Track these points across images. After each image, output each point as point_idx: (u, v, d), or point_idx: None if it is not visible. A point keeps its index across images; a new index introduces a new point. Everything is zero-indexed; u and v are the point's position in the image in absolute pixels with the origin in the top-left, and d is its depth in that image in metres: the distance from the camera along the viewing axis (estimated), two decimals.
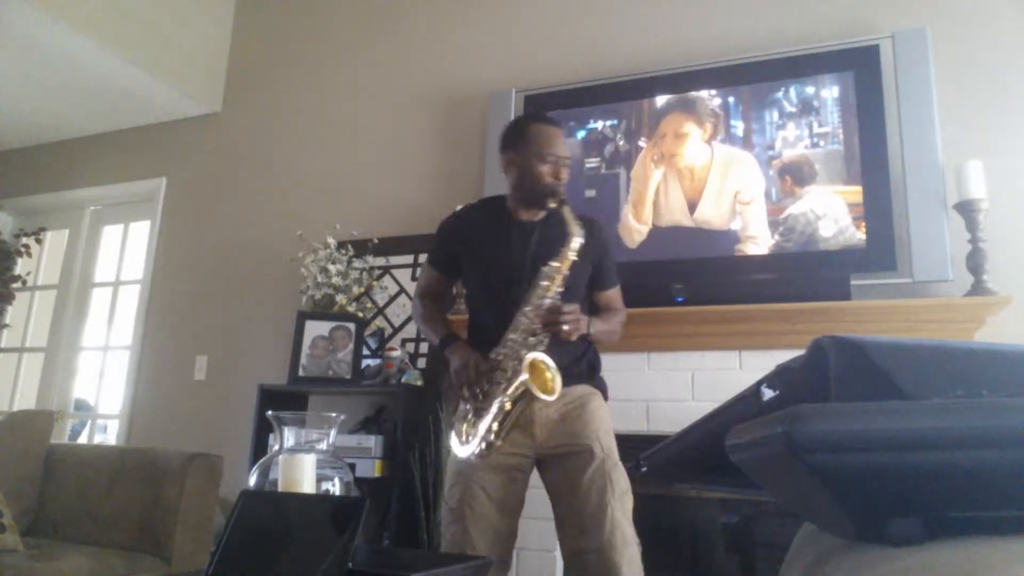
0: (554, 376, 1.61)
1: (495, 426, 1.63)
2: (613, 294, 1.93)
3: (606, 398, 1.86)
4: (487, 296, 1.86)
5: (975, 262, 2.31)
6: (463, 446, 1.69)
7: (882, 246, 2.46)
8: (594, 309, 1.89)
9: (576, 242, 1.70)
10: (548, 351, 1.67)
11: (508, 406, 1.62)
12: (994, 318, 2.29)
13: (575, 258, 1.70)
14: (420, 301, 1.98)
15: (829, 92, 2.66)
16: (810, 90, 2.69)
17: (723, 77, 2.82)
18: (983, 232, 2.32)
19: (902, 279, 2.41)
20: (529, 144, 1.82)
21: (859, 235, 2.51)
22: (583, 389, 1.81)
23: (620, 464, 1.72)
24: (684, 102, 2.87)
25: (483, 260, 1.86)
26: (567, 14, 3.31)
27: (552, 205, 1.76)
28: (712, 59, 2.87)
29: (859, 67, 2.61)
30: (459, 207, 2.04)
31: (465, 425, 1.70)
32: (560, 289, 1.70)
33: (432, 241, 2.00)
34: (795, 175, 2.65)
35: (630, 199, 2.86)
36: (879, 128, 2.54)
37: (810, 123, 2.67)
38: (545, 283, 1.69)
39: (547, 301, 1.68)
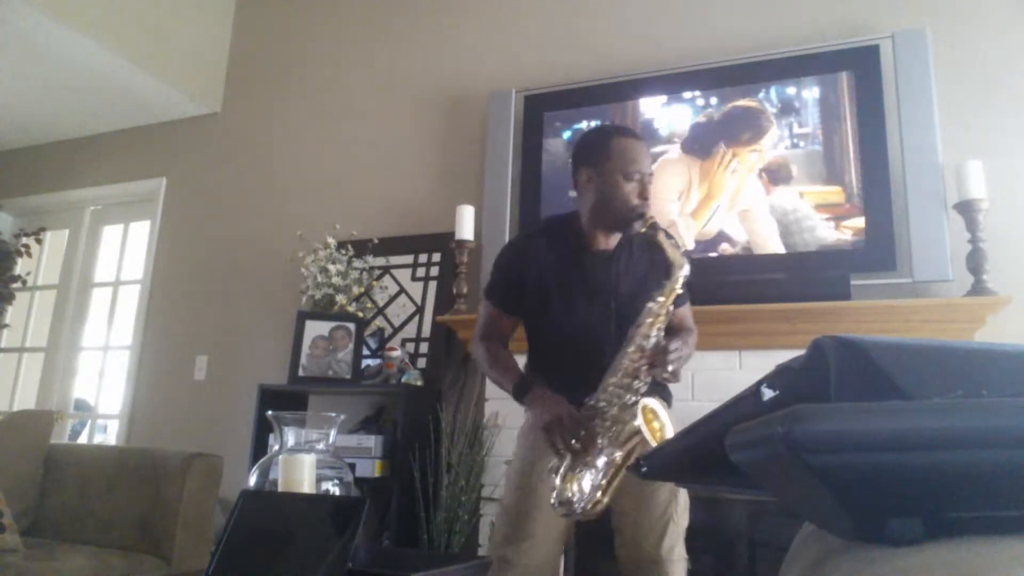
0: (664, 425, 1.46)
1: (603, 482, 1.47)
2: (684, 311, 1.76)
3: (669, 405, 1.73)
4: (562, 339, 1.68)
5: (975, 262, 2.31)
6: (565, 504, 1.51)
7: (882, 246, 2.46)
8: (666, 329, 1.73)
9: (682, 273, 1.53)
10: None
11: (618, 459, 1.47)
12: (994, 318, 2.29)
13: (680, 291, 1.54)
14: (483, 345, 1.75)
15: (810, 93, 2.66)
16: (791, 91, 2.69)
17: (723, 77, 2.82)
18: (983, 232, 2.32)
19: (902, 279, 2.41)
20: (613, 160, 1.62)
21: (836, 234, 2.51)
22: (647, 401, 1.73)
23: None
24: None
25: (557, 298, 1.66)
26: (567, 14, 3.31)
27: (642, 229, 1.59)
28: (712, 59, 2.87)
29: (859, 67, 2.61)
30: (520, 235, 1.87)
31: (566, 481, 1.51)
32: (663, 327, 1.54)
33: (493, 275, 1.78)
34: (771, 175, 2.66)
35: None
36: (879, 128, 2.55)
37: (791, 124, 2.68)
38: (649, 320, 1.52)
39: (651, 341, 1.51)
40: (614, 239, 1.70)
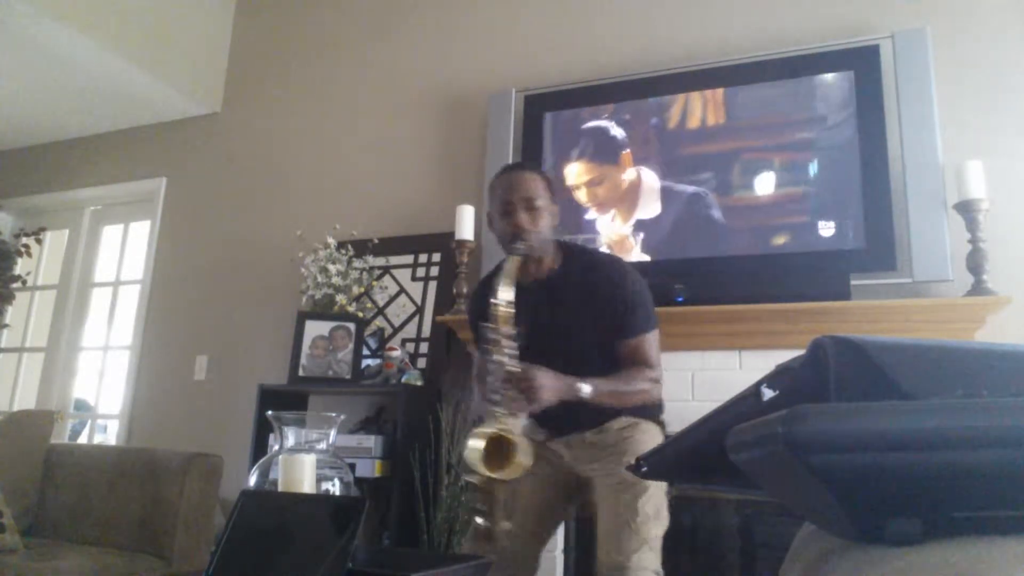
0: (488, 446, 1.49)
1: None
2: (633, 344, 1.69)
3: (660, 423, 1.77)
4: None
5: (975, 262, 2.31)
6: None
7: (882, 246, 2.46)
8: (617, 362, 1.71)
9: (492, 302, 1.56)
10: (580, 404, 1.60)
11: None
12: (994, 318, 2.29)
13: (504, 311, 1.56)
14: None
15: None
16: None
17: (723, 77, 2.82)
18: (983, 232, 2.32)
19: (902, 279, 2.41)
20: (492, 200, 1.75)
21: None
22: (623, 420, 1.71)
23: (652, 489, 1.59)
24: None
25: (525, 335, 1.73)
26: (567, 14, 3.31)
27: (517, 254, 1.64)
28: (712, 59, 2.87)
29: (859, 67, 2.61)
30: (479, 282, 1.94)
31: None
32: (510, 351, 1.55)
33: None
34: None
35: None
36: (879, 128, 2.55)
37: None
38: (489, 347, 1.56)
39: (498, 367, 1.54)
40: (534, 267, 1.74)
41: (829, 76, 2.66)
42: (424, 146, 3.49)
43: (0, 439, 2.54)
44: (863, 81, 2.60)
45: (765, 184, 2.68)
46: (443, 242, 3.17)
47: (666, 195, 2.82)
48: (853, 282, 2.42)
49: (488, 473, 1.48)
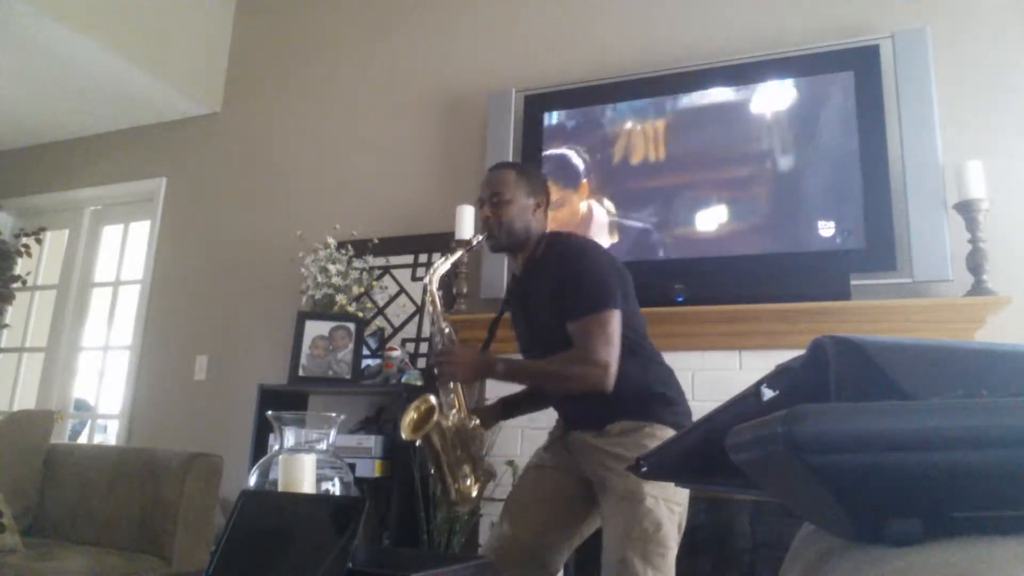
0: (416, 415, 1.65)
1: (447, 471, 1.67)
2: (577, 327, 1.60)
3: (666, 419, 1.64)
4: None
5: (975, 262, 2.31)
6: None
7: (882, 246, 2.46)
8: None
9: (433, 276, 1.72)
10: (579, 396, 1.66)
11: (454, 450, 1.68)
12: (994, 318, 2.29)
13: (435, 288, 1.72)
14: None
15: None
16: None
17: (723, 77, 2.82)
18: (983, 232, 2.32)
19: (902, 279, 2.41)
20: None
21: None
22: (626, 424, 1.63)
23: (649, 503, 1.53)
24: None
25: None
26: (567, 14, 3.31)
27: (478, 247, 1.83)
28: (712, 59, 2.87)
29: (859, 67, 2.61)
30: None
31: None
32: (444, 326, 1.74)
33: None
34: None
35: None
36: (879, 128, 2.55)
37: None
38: (431, 326, 1.76)
39: (437, 333, 1.73)
40: (517, 259, 1.82)
41: (829, 76, 2.66)
42: (424, 146, 3.49)
43: (0, 439, 2.54)
44: (863, 81, 2.60)
45: (766, 184, 2.68)
46: (443, 242, 3.17)
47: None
48: (853, 282, 2.42)
49: (411, 435, 1.62)
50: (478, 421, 1.72)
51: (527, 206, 1.76)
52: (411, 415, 1.65)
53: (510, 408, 1.90)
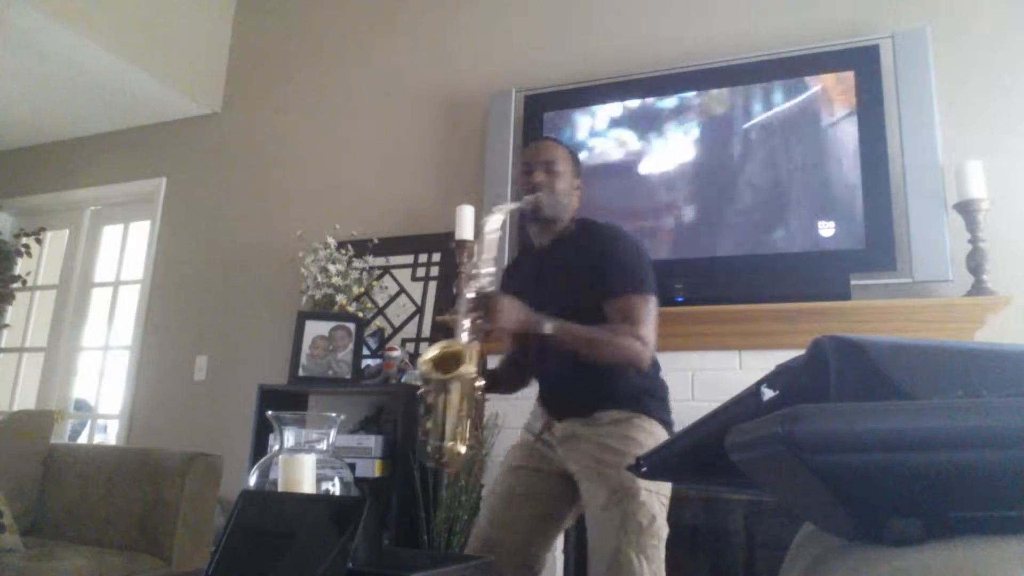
0: (440, 355, 1.52)
1: (448, 427, 1.53)
2: (621, 303, 1.64)
3: (664, 421, 1.67)
4: (527, 343, 1.77)
5: (975, 262, 2.31)
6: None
7: (882, 246, 2.46)
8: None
9: (494, 212, 1.66)
10: (573, 378, 1.66)
11: (455, 399, 1.53)
12: (994, 318, 2.29)
13: (492, 232, 1.64)
14: None
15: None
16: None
17: (723, 77, 2.82)
18: (983, 232, 2.32)
19: (902, 279, 2.41)
20: (517, 169, 1.83)
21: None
22: (616, 414, 1.65)
23: (643, 496, 1.54)
24: None
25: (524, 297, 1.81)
26: (567, 14, 3.31)
27: (526, 206, 1.71)
28: (712, 59, 2.87)
29: (859, 67, 2.61)
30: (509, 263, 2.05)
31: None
32: (488, 270, 1.61)
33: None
34: None
35: None
36: (879, 128, 2.55)
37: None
38: (464, 265, 1.65)
39: (470, 291, 1.58)
40: (548, 229, 1.77)
41: (829, 76, 2.66)
42: (424, 146, 3.49)
43: (0, 439, 2.54)
44: (863, 81, 2.60)
45: (766, 184, 2.68)
46: (443, 242, 3.17)
47: None
48: (853, 282, 2.42)
49: (436, 375, 1.50)
50: (483, 383, 1.59)
51: (572, 184, 1.80)
52: (437, 352, 1.53)
53: (490, 382, 1.80)
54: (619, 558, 1.51)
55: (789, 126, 2.69)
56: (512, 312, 1.56)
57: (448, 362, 1.51)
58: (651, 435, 1.63)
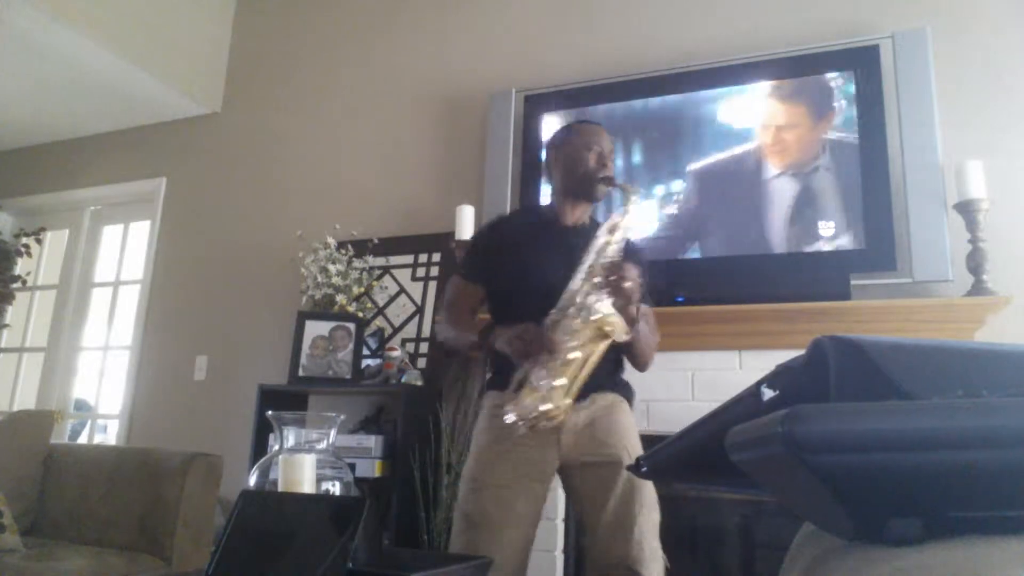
0: (616, 329, 1.49)
1: (565, 383, 1.49)
2: (644, 310, 1.71)
3: (632, 405, 1.79)
4: (531, 303, 1.63)
5: (975, 262, 2.31)
6: (524, 416, 1.49)
7: (882, 246, 2.46)
8: None
9: (633, 199, 1.64)
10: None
11: (580, 356, 1.49)
12: (994, 318, 2.29)
13: (630, 213, 1.63)
14: (445, 312, 1.82)
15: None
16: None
17: (723, 77, 2.82)
18: (983, 232, 2.32)
19: (902, 279, 2.41)
20: (575, 138, 1.80)
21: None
22: (610, 397, 1.73)
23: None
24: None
25: (524, 266, 1.73)
26: (567, 14, 3.31)
27: (603, 187, 1.74)
28: (712, 59, 2.87)
29: (859, 67, 2.61)
30: (494, 218, 1.95)
31: (525, 395, 1.50)
32: (618, 252, 1.59)
33: (464, 254, 1.91)
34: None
35: None
36: (879, 128, 2.55)
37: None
38: (604, 239, 1.60)
39: (606, 258, 1.57)
40: (581, 210, 1.80)
41: (829, 76, 2.66)
42: (424, 146, 3.49)
43: (0, 439, 2.54)
44: (863, 81, 2.60)
45: (766, 184, 2.68)
46: (443, 242, 3.17)
47: None
48: (853, 282, 2.43)
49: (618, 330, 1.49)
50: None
51: None
52: (612, 311, 1.51)
53: None
54: (641, 535, 1.59)
55: (789, 126, 2.69)
56: (639, 285, 1.56)
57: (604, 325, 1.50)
58: (632, 421, 1.75)
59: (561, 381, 1.48)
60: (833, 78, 2.65)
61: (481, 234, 1.90)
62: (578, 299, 1.53)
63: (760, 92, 2.75)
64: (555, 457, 1.67)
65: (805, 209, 2.61)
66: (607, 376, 1.73)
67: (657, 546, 1.62)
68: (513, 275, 1.74)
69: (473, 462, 1.72)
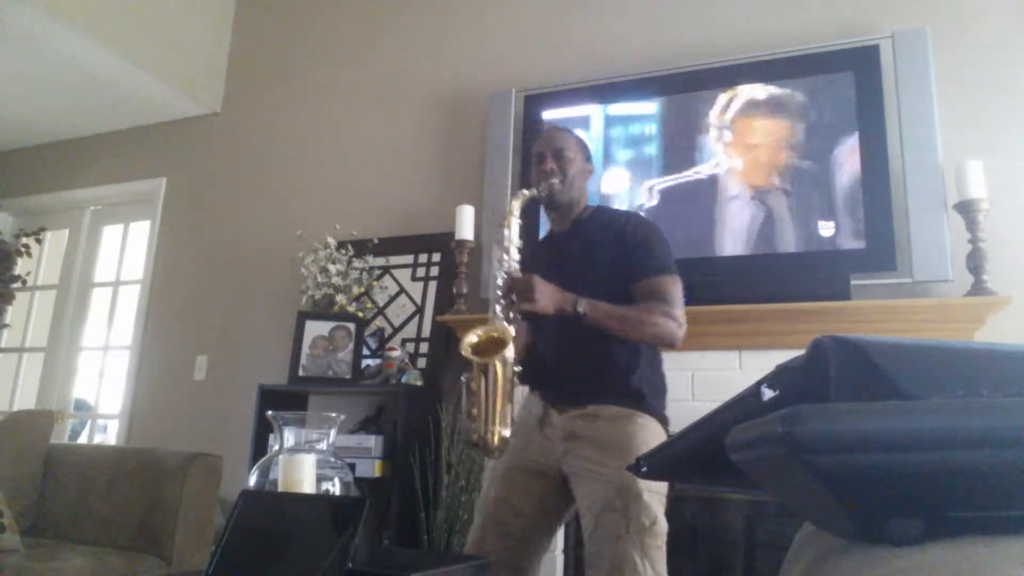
0: (482, 339, 1.54)
1: (475, 412, 1.55)
2: (651, 284, 1.67)
3: (661, 417, 1.68)
4: (534, 323, 1.72)
5: (975, 262, 2.31)
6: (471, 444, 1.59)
7: (882, 246, 2.46)
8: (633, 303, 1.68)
9: (516, 198, 1.70)
10: (573, 363, 1.66)
11: (482, 384, 1.54)
12: (994, 318, 2.29)
13: (515, 217, 1.68)
14: None
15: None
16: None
17: (724, 77, 2.82)
18: (983, 232, 2.32)
19: (902, 279, 2.41)
20: (530, 159, 1.86)
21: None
22: (616, 411, 1.64)
23: (646, 497, 1.53)
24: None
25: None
26: (567, 14, 3.31)
27: (543, 193, 1.74)
28: (712, 59, 2.87)
29: (859, 67, 2.61)
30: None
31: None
32: (515, 259, 1.65)
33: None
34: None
35: None
36: (879, 128, 2.55)
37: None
38: (496, 252, 1.65)
39: (502, 268, 1.61)
40: (561, 219, 1.83)
41: (829, 76, 2.66)
42: (424, 146, 3.49)
43: (0, 439, 2.54)
44: (863, 81, 2.59)
45: (765, 184, 2.68)
46: (443, 242, 3.17)
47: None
48: (853, 282, 2.42)
49: (473, 356, 1.53)
50: (520, 368, 1.58)
51: (583, 169, 1.84)
52: (478, 337, 1.55)
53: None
54: (623, 561, 1.49)
55: (789, 126, 2.69)
56: (546, 292, 1.56)
57: (489, 346, 1.53)
58: (652, 432, 1.63)
59: (474, 411, 1.53)
60: (832, 78, 2.65)
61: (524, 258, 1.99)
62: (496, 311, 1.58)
63: (759, 92, 2.75)
64: (553, 459, 1.68)
65: (805, 208, 2.61)
66: (612, 383, 1.66)
67: (645, 572, 1.49)
68: None
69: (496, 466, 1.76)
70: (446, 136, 3.45)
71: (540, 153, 1.81)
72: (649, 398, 1.67)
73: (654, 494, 1.55)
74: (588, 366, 1.67)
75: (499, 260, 1.64)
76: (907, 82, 2.51)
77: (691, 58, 2.92)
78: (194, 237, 3.99)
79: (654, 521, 1.53)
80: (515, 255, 1.67)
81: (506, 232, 1.67)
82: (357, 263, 3.25)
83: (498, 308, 1.58)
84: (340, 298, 3.13)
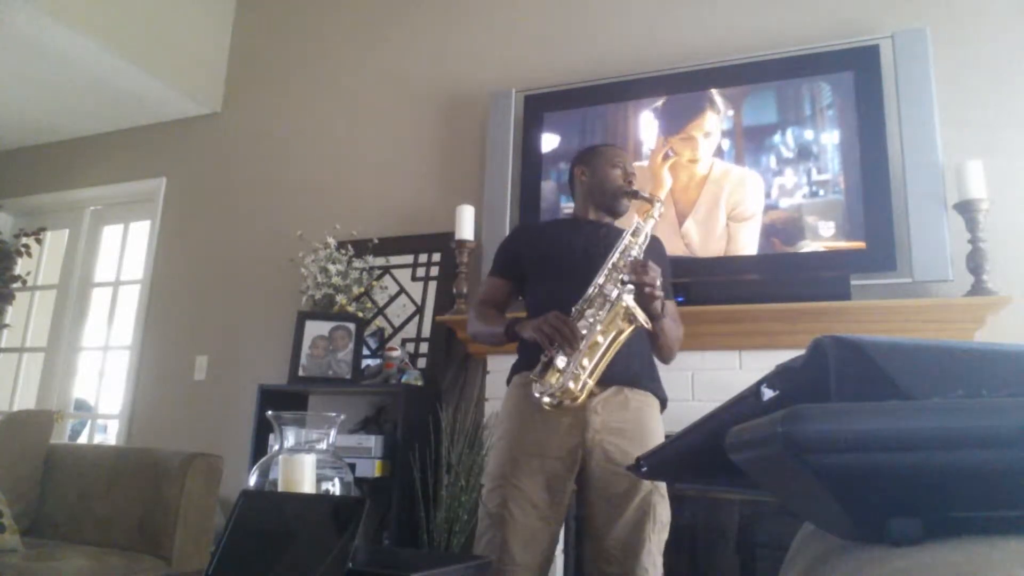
0: (638, 319, 1.58)
1: (588, 364, 1.56)
2: (670, 306, 1.83)
3: (663, 408, 1.81)
4: (555, 292, 1.74)
5: (975, 262, 2.31)
6: (550, 393, 1.56)
7: (882, 246, 2.46)
8: None
9: (656, 208, 1.77)
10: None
11: (601, 340, 1.57)
12: (994, 318, 2.29)
13: (655, 219, 1.77)
14: (475, 308, 1.94)
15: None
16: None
17: (723, 77, 2.82)
18: (983, 232, 2.32)
19: (902, 279, 2.41)
20: (601, 156, 1.94)
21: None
22: (643, 397, 1.74)
23: (665, 495, 1.68)
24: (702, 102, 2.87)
25: (553, 256, 1.86)
26: (567, 14, 3.31)
27: (627, 201, 1.89)
28: (712, 59, 2.87)
29: (859, 67, 2.61)
30: (524, 222, 2.11)
31: (548, 376, 1.57)
32: (640, 253, 1.72)
33: (496, 253, 2.02)
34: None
35: None
36: (879, 128, 2.55)
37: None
38: (629, 239, 1.72)
39: (631, 255, 1.69)
40: (597, 216, 1.93)
41: (829, 76, 2.66)
42: (424, 146, 3.49)
43: (0, 439, 2.54)
44: (863, 81, 2.59)
45: (765, 184, 2.68)
46: (443, 242, 3.17)
47: None
48: (853, 282, 2.42)
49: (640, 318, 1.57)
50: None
51: None
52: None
53: None
54: (645, 554, 1.61)
55: (788, 126, 2.69)
56: (658, 278, 1.65)
57: (628, 316, 1.59)
58: (659, 424, 1.77)
59: (585, 362, 1.56)
60: (832, 78, 2.65)
61: (513, 232, 2.06)
62: (604, 291, 1.63)
63: (759, 92, 2.75)
64: (579, 448, 1.67)
65: (805, 208, 2.61)
66: (643, 370, 1.77)
67: (659, 564, 1.65)
68: (543, 264, 1.87)
69: (497, 457, 1.74)
70: (446, 136, 3.45)
71: (627, 168, 1.92)
72: (659, 381, 1.82)
73: (664, 495, 1.70)
74: (627, 351, 1.67)
75: (631, 244, 1.72)
76: (907, 82, 2.51)
77: (691, 58, 2.92)
78: (194, 237, 3.99)
79: (667, 520, 1.68)
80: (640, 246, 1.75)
81: (647, 227, 1.75)
82: (357, 263, 3.25)
83: (626, 293, 1.60)
84: (340, 298, 3.13)
